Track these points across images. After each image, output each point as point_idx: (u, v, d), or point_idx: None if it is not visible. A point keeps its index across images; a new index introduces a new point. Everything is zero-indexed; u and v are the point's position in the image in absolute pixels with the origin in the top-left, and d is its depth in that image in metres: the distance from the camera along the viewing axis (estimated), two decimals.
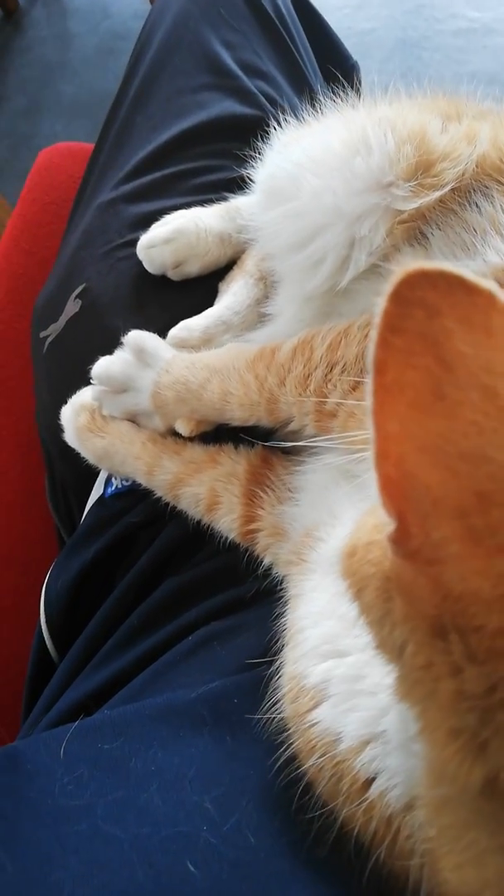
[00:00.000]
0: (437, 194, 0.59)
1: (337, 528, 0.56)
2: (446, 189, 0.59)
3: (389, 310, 0.24)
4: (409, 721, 0.41)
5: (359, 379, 0.57)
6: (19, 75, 2.65)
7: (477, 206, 0.59)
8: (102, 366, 0.74)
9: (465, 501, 0.25)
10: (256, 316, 0.80)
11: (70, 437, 0.79)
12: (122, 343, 0.74)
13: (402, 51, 2.34)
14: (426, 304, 0.23)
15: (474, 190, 0.60)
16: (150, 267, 0.85)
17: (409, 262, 0.23)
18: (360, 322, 0.60)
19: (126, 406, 0.75)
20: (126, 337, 0.74)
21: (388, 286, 0.24)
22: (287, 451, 0.70)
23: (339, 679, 0.47)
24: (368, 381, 0.25)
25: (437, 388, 0.24)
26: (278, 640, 0.56)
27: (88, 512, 0.83)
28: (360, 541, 0.33)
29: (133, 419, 0.76)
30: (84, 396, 0.79)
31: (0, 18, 2.82)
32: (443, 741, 0.29)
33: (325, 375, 0.59)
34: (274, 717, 0.51)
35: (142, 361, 0.72)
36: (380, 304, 0.24)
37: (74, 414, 0.78)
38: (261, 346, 0.66)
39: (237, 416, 0.66)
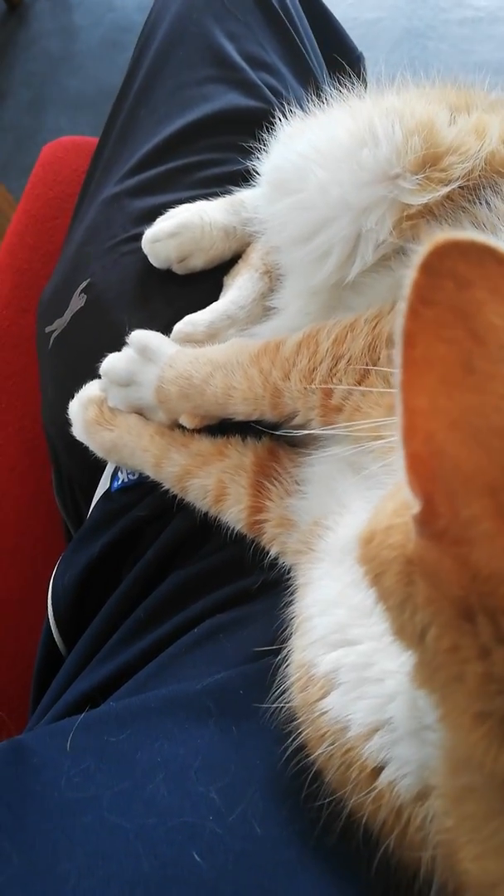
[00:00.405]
0: (445, 190, 0.59)
1: (345, 517, 0.56)
2: (454, 185, 0.59)
3: (419, 281, 0.23)
4: (424, 710, 0.41)
5: (366, 368, 0.57)
6: (24, 69, 2.65)
7: (487, 202, 0.59)
8: (109, 362, 0.74)
9: (497, 479, 0.25)
10: (262, 310, 0.80)
11: (78, 431, 0.78)
12: (125, 334, 0.74)
13: (408, 41, 2.34)
14: (457, 275, 0.23)
15: (483, 186, 0.59)
16: (154, 261, 0.84)
17: (440, 232, 0.23)
18: (367, 315, 0.60)
19: (130, 400, 0.75)
20: (130, 337, 0.74)
21: (418, 257, 0.23)
22: (293, 444, 0.70)
23: (349, 667, 0.47)
24: (396, 355, 0.25)
25: (467, 362, 0.23)
26: (284, 630, 0.56)
27: (95, 506, 0.83)
28: (380, 525, 0.32)
29: (139, 412, 0.76)
30: (91, 390, 0.79)
31: (4, 12, 2.82)
32: (469, 726, 0.28)
33: (331, 369, 0.59)
34: (281, 707, 0.51)
35: (145, 357, 0.72)
36: (409, 275, 0.24)
37: (82, 408, 0.78)
38: (265, 341, 0.66)
39: (241, 410, 0.66)
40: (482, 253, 0.22)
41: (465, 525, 0.26)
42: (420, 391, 0.25)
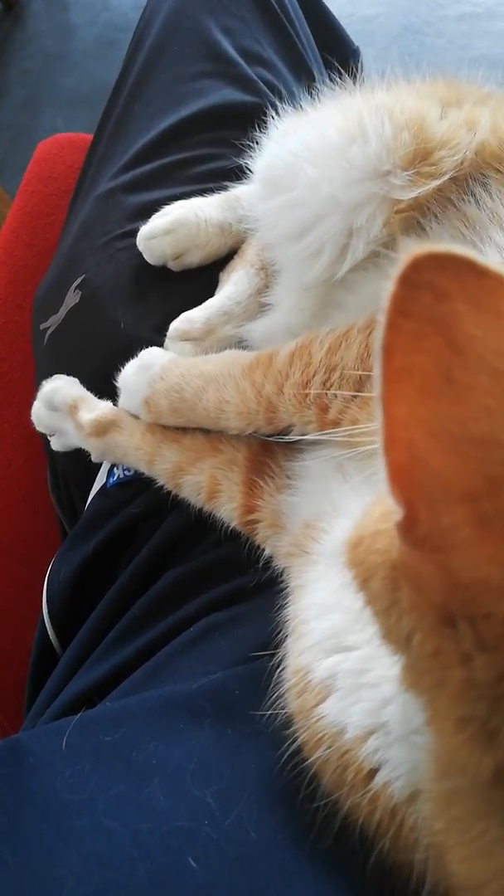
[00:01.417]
0: (435, 183, 0.59)
1: (340, 520, 0.56)
2: (444, 178, 0.59)
3: (398, 293, 0.23)
4: (412, 713, 0.41)
5: (362, 374, 0.56)
6: (20, 68, 2.65)
7: (475, 197, 0.58)
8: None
9: (476, 486, 0.25)
10: (257, 305, 0.79)
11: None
12: (120, 331, 0.74)
13: (406, 37, 2.34)
14: (435, 287, 0.23)
15: (473, 180, 0.59)
16: (150, 258, 0.84)
17: (417, 245, 0.23)
18: (360, 324, 0.59)
19: (126, 406, 0.75)
20: (139, 354, 0.74)
21: (396, 269, 0.23)
22: (288, 442, 0.69)
23: (346, 673, 0.47)
24: (376, 366, 0.25)
25: (446, 372, 0.24)
26: (280, 630, 0.56)
27: (91, 502, 0.83)
28: (367, 530, 0.32)
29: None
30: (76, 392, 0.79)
31: (0, 11, 2.82)
32: (452, 730, 0.28)
33: (325, 382, 0.57)
34: (277, 711, 0.51)
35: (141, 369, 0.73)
36: (388, 287, 0.24)
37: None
38: (257, 353, 0.65)
39: (234, 425, 0.65)
40: (460, 265, 0.22)
41: (446, 533, 0.27)
42: (400, 401, 0.25)
